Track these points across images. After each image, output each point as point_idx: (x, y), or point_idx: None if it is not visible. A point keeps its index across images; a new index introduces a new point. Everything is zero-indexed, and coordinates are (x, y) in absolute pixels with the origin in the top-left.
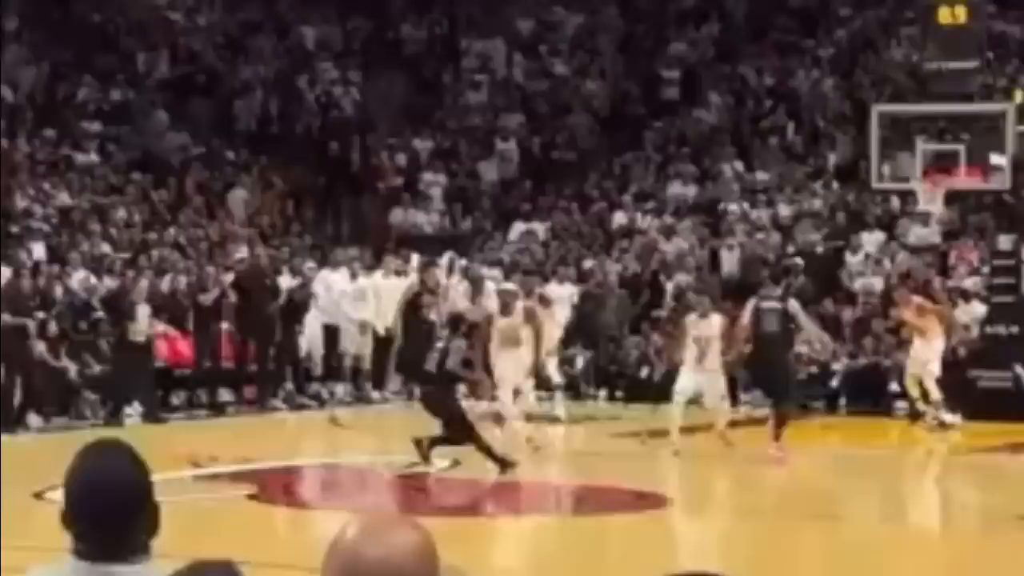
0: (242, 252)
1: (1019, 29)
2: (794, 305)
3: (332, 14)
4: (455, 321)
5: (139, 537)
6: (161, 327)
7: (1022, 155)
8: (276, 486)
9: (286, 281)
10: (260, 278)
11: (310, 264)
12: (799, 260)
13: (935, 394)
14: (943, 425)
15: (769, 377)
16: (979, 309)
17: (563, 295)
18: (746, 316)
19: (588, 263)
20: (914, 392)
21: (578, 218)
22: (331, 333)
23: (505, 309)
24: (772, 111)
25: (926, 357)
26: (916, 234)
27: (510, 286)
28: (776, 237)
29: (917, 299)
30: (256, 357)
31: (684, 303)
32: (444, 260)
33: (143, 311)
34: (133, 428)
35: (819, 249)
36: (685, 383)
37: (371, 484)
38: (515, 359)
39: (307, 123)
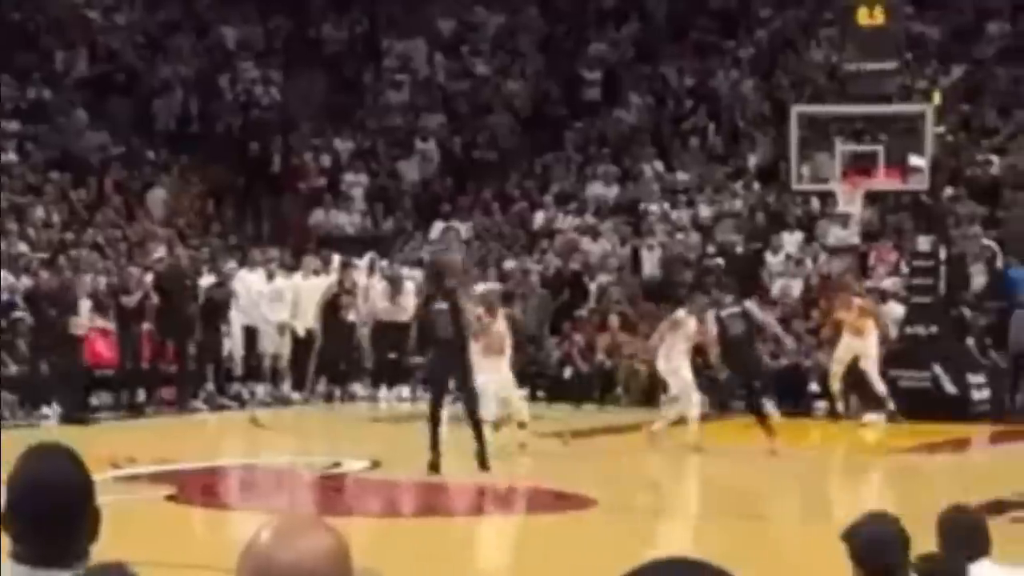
0: (161, 252)
1: (937, 30)
2: (751, 306)
3: (252, 13)
4: None
5: (80, 542)
6: (100, 322)
7: (940, 156)
8: (195, 487)
9: (206, 281)
10: (179, 279)
11: (230, 264)
12: (720, 260)
13: (880, 387)
14: (894, 419)
15: (745, 377)
16: (897, 310)
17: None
18: (712, 327)
19: (509, 263)
20: (836, 387)
21: (499, 218)
22: (251, 334)
23: (491, 313)
24: (692, 112)
25: (870, 355)
26: (835, 235)
27: (492, 286)
28: (696, 237)
29: (859, 300)
30: (175, 358)
31: (606, 302)
32: (364, 260)
33: (84, 305)
34: (52, 429)
35: (739, 250)
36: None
37: (291, 485)
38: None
39: (227, 123)
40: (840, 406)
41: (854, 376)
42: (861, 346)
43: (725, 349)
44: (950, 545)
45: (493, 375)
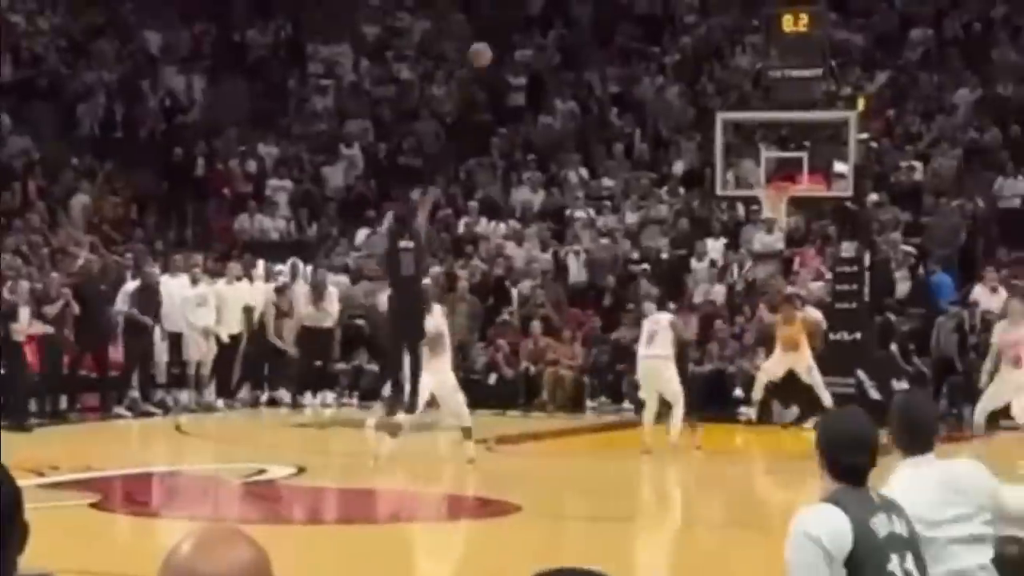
0: (84, 258)
1: (861, 37)
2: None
3: (176, 19)
4: None
5: (9, 554)
6: (40, 327)
7: (864, 162)
8: (119, 494)
9: (131, 287)
10: (100, 285)
11: (154, 270)
12: (646, 266)
13: (827, 398)
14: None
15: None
16: (815, 316)
17: None
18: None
19: (435, 269)
20: (758, 395)
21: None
22: (174, 340)
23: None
24: (618, 118)
25: (809, 365)
26: (760, 241)
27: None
28: (622, 244)
29: (801, 314)
30: (96, 364)
31: (530, 308)
32: (287, 266)
33: (24, 312)
34: None
35: (664, 256)
36: None
37: (215, 492)
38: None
39: (151, 128)
40: (755, 414)
41: (796, 385)
42: (795, 359)
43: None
44: None
45: (435, 375)
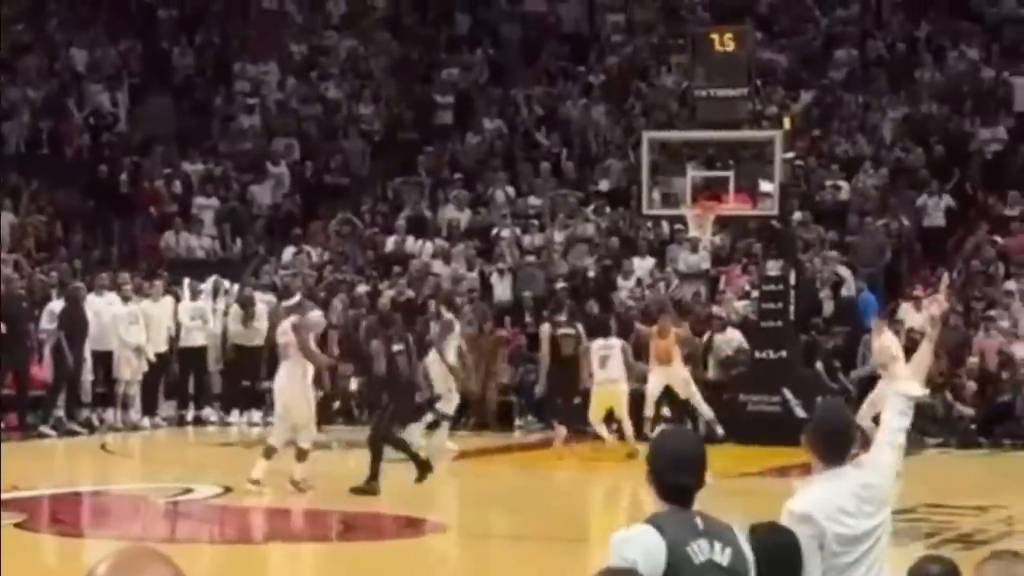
0: (7, 277)
1: (786, 57)
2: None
3: (102, 36)
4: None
5: None
6: None
7: (790, 182)
8: (45, 514)
9: (56, 306)
10: (23, 303)
11: (81, 288)
12: (565, 284)
13: (707, 411)
14: (719, 441)
15: (569, 394)
16: (736, 337)
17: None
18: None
19: (361, 288)
20: (648, 412)
21: (351, 243)
22: (98, 359)
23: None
24: (545, 137)
25: (684, 378)
26: (686, 260)
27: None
28: (548, 262)
29: (677, 329)
30: (15, 383)
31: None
32: (209, 284)
33: None
34: None
35: (591, 274)
36: None
37: (141, 511)
38: None
39: (77, 146)
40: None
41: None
42: (669, 373)
43: (555, 367)
44: None
45: None
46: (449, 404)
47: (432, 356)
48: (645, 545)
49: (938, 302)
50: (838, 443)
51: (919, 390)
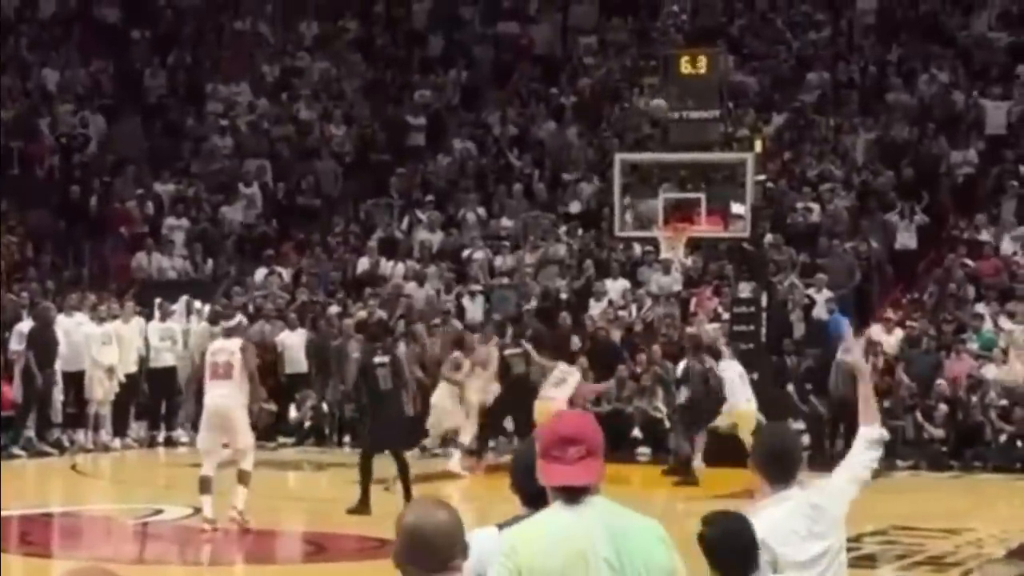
0: None
1: (758, 80)
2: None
3: (74, 56)
4: None
5: None
6: None
7: (761, 204)
8: (14, 535)
9: (26, 326)
10: None
11: (51, 308)
12: (532, 306)
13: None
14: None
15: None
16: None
17: (297, 341)
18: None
19: (333, 309)
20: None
21: (323, 264)
22: (69, 379)
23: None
24: (517, 158)
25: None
26: (658, 282)
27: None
28: (520, 284)
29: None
30: None
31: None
32: (180, 304)
33: None
34: None
35: (563, 296)
36: None
37: (111, 532)
38: None
39: (48, 166)
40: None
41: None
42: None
43: (507, 387)
44: None
45: None
46: (466, 434)
47: (443, 387)
48: (482, 547)
49: (851, 353)
50: (784, 465)
51: (877, 432)
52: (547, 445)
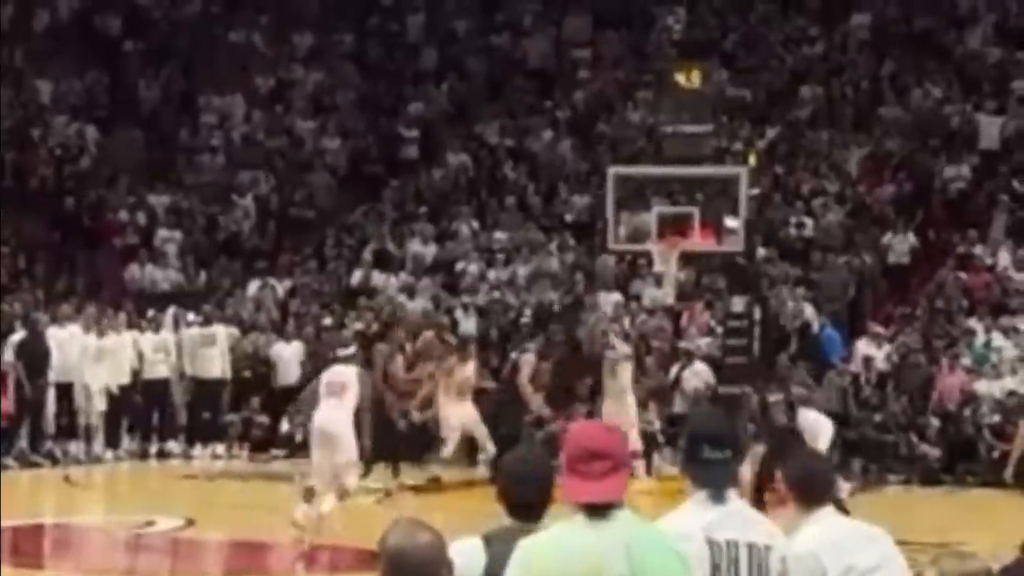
0: None
1: (752, 93)
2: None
3: (68, 68)
4: None
5: None
6: None
7: (755, 218)
8: (7, 546)
9: (17, 338)
10: None
11: (44, 320)
12: (527, 320)
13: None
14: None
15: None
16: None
17: (291, 353)
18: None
19: (327, 321)
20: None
21: (316, 276)
22: (61, 391)
23: None
24: (510, 171)
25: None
26: (650, 295)
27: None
28: (513, 296)
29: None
30: None
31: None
32: (169, 315)
33: None
34: None
35: (556, 308)
36: None
37: (104, 544)
38: None
39: (42, 177)
40: None
41: None
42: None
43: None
44: None
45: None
46: (488, 441)
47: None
48: (468, 555)
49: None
50: (818, 489)
51: None
52: (572, 459)
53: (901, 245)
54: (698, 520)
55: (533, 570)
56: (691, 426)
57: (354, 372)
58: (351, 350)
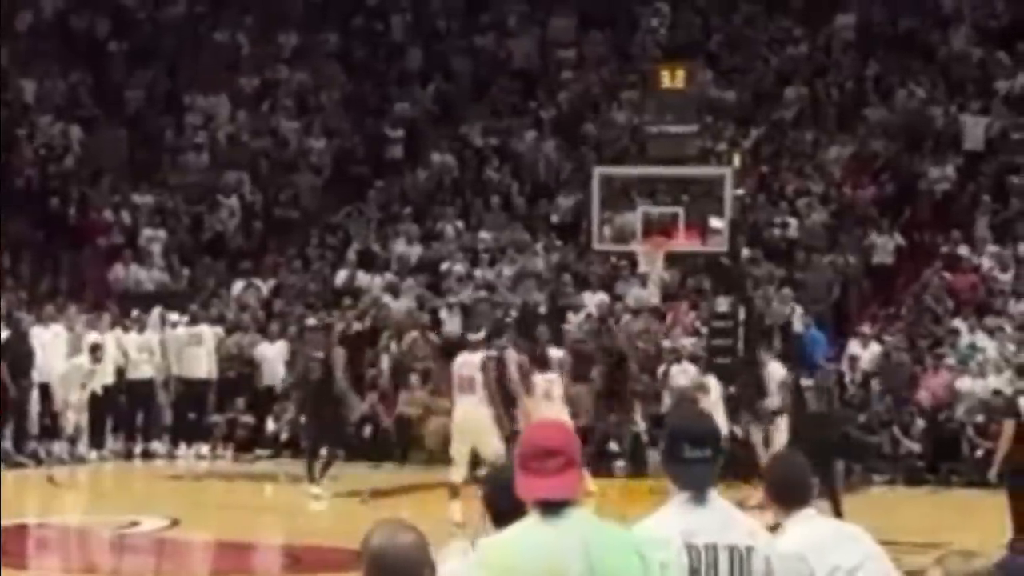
0: None
1: (736, 94)
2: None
3: (53, 68)
4: None
5: None
6: None
7: (739, 218)
8: None
9: (2, 337)
10: None
11: (27, 319)
12: (510, 319)
13: None
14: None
15: None
16: (691, 367)
17: (275, 353)
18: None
19: (311, 321)
20: None
21: (301, 276)
22: (44, 390)
23: None
24: (495, 171)
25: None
26: (635, 296)
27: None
28: (498, 297)
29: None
30: None
31: (408, 360)
32: (154, 315)
33: None
34: None
35: (542, 309)
36: None
37: (88, 544)
38: None
39: (26, 177)
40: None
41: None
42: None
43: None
44: None
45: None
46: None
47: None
48: (455, 563)
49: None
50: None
51: None
52: (526, 456)
53: (886, 245)
54: (677, 524)
55: (494, 568)
56: (672, 425)
57: (479, 359)
58: (480, 335)
